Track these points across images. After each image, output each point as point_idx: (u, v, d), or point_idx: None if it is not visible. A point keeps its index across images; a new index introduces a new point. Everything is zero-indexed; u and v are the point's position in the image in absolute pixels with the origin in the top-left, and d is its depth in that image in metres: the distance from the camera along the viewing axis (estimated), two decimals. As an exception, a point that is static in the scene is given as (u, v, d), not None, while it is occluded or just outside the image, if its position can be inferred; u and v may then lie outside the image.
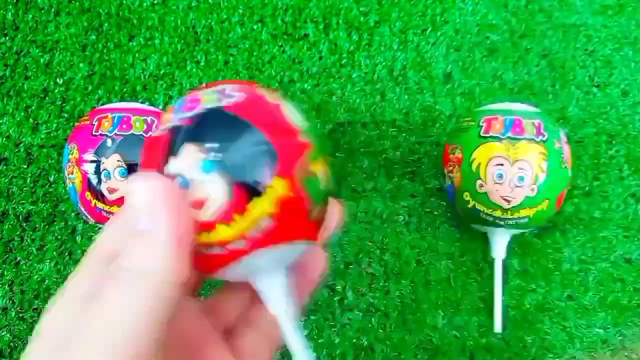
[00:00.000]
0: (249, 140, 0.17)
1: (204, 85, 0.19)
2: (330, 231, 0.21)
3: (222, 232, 0.17)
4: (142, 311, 0.16)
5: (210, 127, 0.17)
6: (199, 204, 0.17)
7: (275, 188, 0.17)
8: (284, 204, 0.17)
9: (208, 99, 0.18)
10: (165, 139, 0.18)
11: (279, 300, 0.19)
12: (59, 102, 0.46)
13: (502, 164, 0.36)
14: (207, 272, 0.19)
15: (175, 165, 0.17)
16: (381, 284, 0.42)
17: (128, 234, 0.17)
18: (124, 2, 0.48)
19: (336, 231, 0.21)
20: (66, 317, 0.16)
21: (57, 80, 0.46)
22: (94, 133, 0.36)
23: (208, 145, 0.17)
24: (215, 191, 0.17)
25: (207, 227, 0.17)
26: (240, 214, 0.17)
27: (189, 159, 0.17)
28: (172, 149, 0.17)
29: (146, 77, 0.46)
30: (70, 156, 0.36)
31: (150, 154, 0.18)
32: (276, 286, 0.19)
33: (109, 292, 0.16)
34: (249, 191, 0.17)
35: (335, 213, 0.21)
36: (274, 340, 0.22)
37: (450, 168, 0.39)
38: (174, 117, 0.18)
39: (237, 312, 0.23)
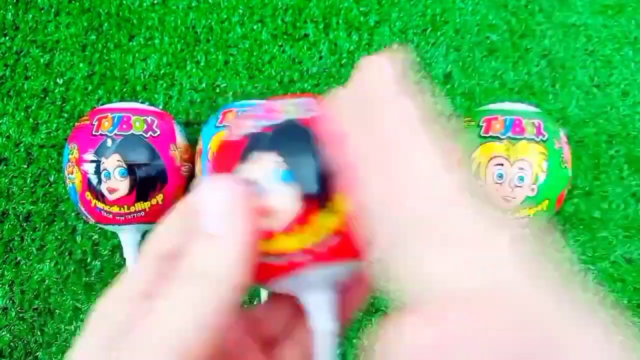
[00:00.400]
0: (320, 155, 0.17)
1: (282, 95, 0.20)
2: None
3: (283, 242, 0.17)
4: (204, 314, 0.15)
5: (285, 138, 0.17)
6: (264, 212, 0.17)
7: (342, 204, 0.17)
8: (348, 222, 0.17)
9: (287, 109, 0.18)
10: (240, 144, 0.18)
11: (325, 319, 0.19)
12: (59, 102, 0.46)
13: (502, 164, 0.36)
14: (260, 281, 0.19)
15: (246, 171, 0.17)
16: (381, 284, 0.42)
17: (194, 234, 0.16)
18: (124, 2, 0.48)
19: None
20: (119, 313, 0.16)
21: (57, 80, 0.46)
22: (94, 133, 0.36)
23: (281, 155, 0.17)
24: (282, 201, 0.17)
25: (269, 235, 0.17)
26: (304, 226, 0.17)
27: (261, 167, 0.17)
28: (245, 155, 0.17)
29: (146, 77, 0.46)
30: (70, 156, 0.36)
31: (223, 157, 0.18)
32: (325, 303, 0.19)
33: (170, 291, 0.15)
34: (315, 205, 0.17)
35: None
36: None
37: (450, 168, 0.39)
38: (251, 124, 0.18)
39: (278, 325, 0.22)
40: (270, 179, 0.17)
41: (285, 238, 0.17)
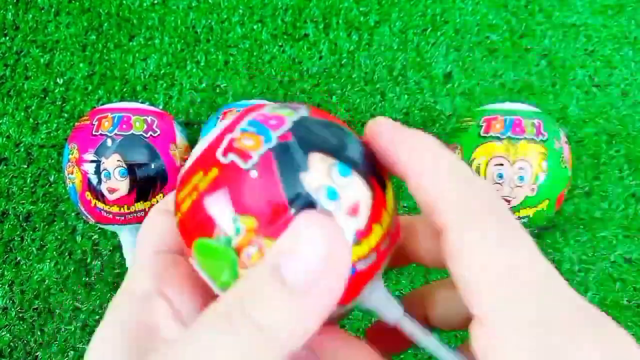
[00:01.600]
0: (350, 138, 0.16)
1: (244, 109, 0.18)
2: None
3: (377, 233, 0.16)
4: None
5: (314, 135, 0.16)
6: (354, 210, 0.15)
7: (389, 181, 0.17)
8: (394, 197, 0.17)
9: (282, 112, 0.16)
10: (266, 168, 0.15)
11: (393, 306, 0.18)
12: (59, 102, 0.46)
13: (502, 164, 0.36)
14: (343, 302, 0.16)
15: (308, 179, 0.15)
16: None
17: (272, 280, 0.13)
18: (124, 2, 0.48)
19: None
20: (133, 312, 0.16)
21: (57, 80, 0.46)
22: (94, 133, 0.36)
23: (326, 152, 0.15)
24: (361, 191, 0.15)
25: (366, 233, 0.15)
26: (385, 208, 0.16)
27: (322, 168, 0.15)
28: (285, 175, 0.15)
29: (146, 77, 0.46)
30: (70, 156, 0.36)
31: (259, 186, 0.15)
32: (385, 292, 0.18)
33: (209, 332, 0.13)
34: (378, 185, 0.16)
35: None
36: None
37: (450, 168, 0.39)
38: (258, 143, 0.15)
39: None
40: (336, 176, 0.15)
41: (378, 227, 0.16)
